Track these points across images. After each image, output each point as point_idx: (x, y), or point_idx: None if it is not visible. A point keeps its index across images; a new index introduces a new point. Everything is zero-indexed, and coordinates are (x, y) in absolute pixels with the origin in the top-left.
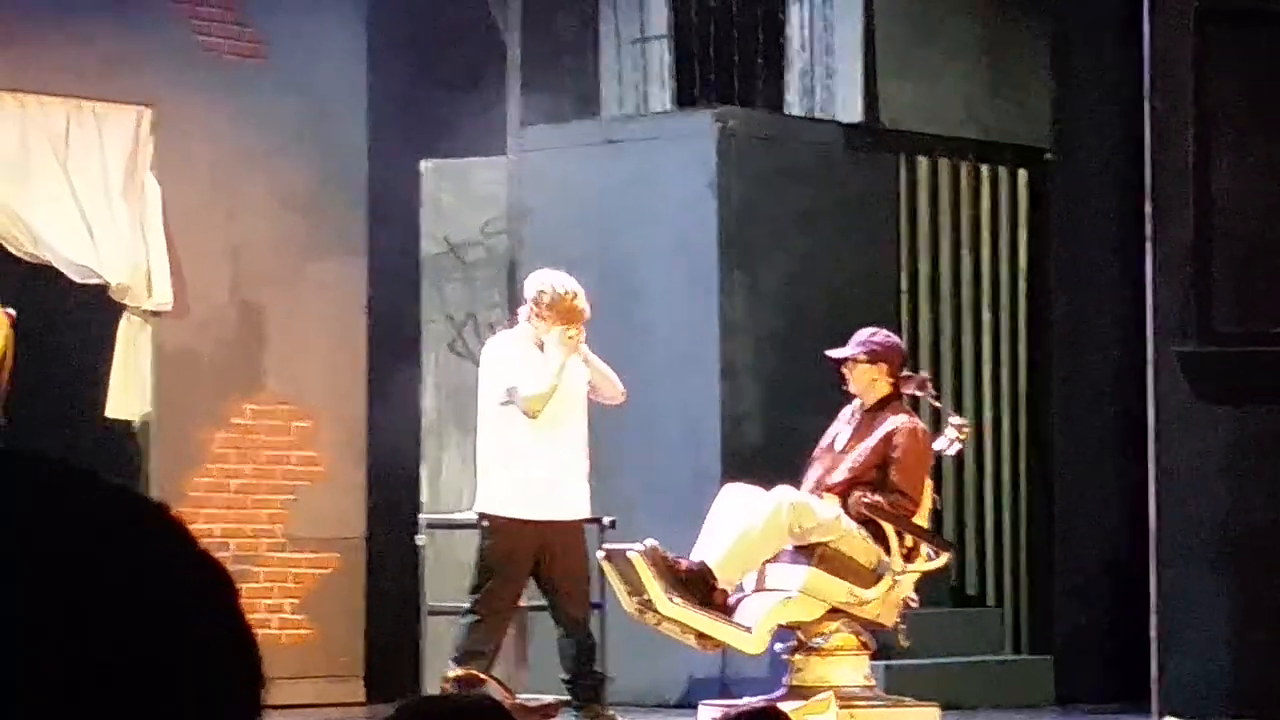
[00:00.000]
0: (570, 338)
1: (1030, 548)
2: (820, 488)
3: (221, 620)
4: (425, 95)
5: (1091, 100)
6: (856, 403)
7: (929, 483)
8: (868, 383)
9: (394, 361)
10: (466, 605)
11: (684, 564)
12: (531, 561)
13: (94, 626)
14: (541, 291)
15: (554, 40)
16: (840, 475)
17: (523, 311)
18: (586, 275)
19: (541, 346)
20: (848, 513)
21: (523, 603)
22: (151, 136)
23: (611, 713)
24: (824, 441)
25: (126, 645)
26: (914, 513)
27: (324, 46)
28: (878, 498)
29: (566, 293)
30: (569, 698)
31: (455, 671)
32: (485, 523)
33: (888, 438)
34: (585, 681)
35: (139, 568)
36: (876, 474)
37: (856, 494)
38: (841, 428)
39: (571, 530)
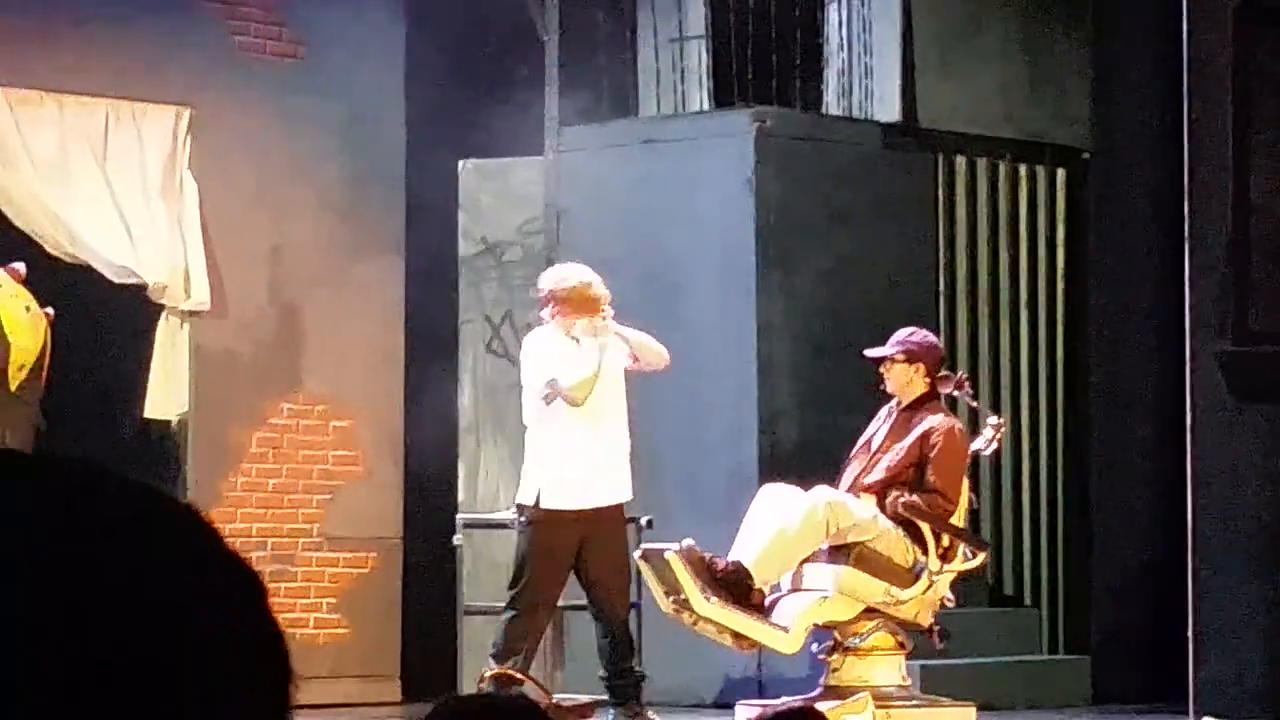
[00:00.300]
0: (597, 322)
1: (1067, 547)
2: (857, 487)
3: (247, 621)
4: (463, 95)
5: (1130, 100)
6: (894, 402)
7: (965, 482)
8: (905, 382)
9: (431, 361)
10: (506, 600)
11: (721, 563)
12: (572, 556)
13: (113, 628)
14: (554, 290)
15: (591, 40)
16: (877, 474)
17: (545, 312)
18: (623, 275)
19: (577, 340)
20: (884, 512)
21: (561, 602)
22: (190, 137)
23: (650, 713)
24: (861, 440)
25: (146, 647)
26: (951, 513)
27: (362, 47)
28: (915, 498)
29: (580, 283)
30: (607, 696)
31: (493, 670)
32: (524, 516)
33: (924, 437)
34: (623, 680)
35: (161, 568)
36: (914, 473)
37: (894, 494)
38: (878, 427)
39: (613, 520)
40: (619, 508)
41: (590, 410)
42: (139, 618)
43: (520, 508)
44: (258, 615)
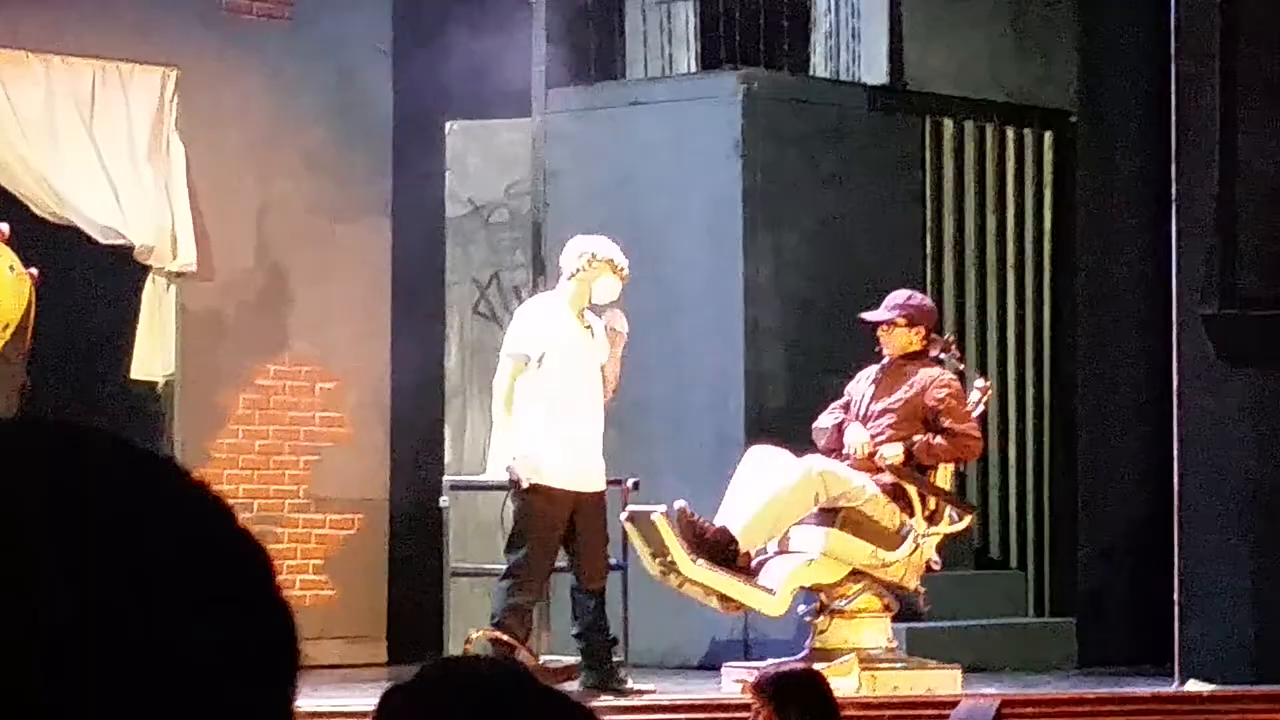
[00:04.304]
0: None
1: (1053, 510)
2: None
3: (256, 595)
4: (450, 56)
5: (1117, 62)
6: (881, 363)
7: None
8: (904, 345)
9: (418, 322)
10: (505, 568)
11: (708, 526)
12: (565, 525)
13: (121, 601)
14: (596, 251)
15: (578, 2)
16: (882, 430)
17: (565, 273)
18: (610, 237)
19: (582, 312)
20: (909, 459)
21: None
22: (177, 98)
23: (623, 674)
24: (851, 398)
25: (155, 619)
26: (979, 450)
27: (350, 8)
28: (938, 440)
29: (610, 248)
30: (579, 658)
31: (478, 633)
32: (520, 486)
33: (925, 388)
34: (595, 641)
35: (171, 541)
36: (914, 423)
37: (918, 439)
38: (865, 386)
39: (599, 498)
40: (601, 493)
41: (574, 391)
42: (147, 589)
43: (514, 480)
44: (267, 590)
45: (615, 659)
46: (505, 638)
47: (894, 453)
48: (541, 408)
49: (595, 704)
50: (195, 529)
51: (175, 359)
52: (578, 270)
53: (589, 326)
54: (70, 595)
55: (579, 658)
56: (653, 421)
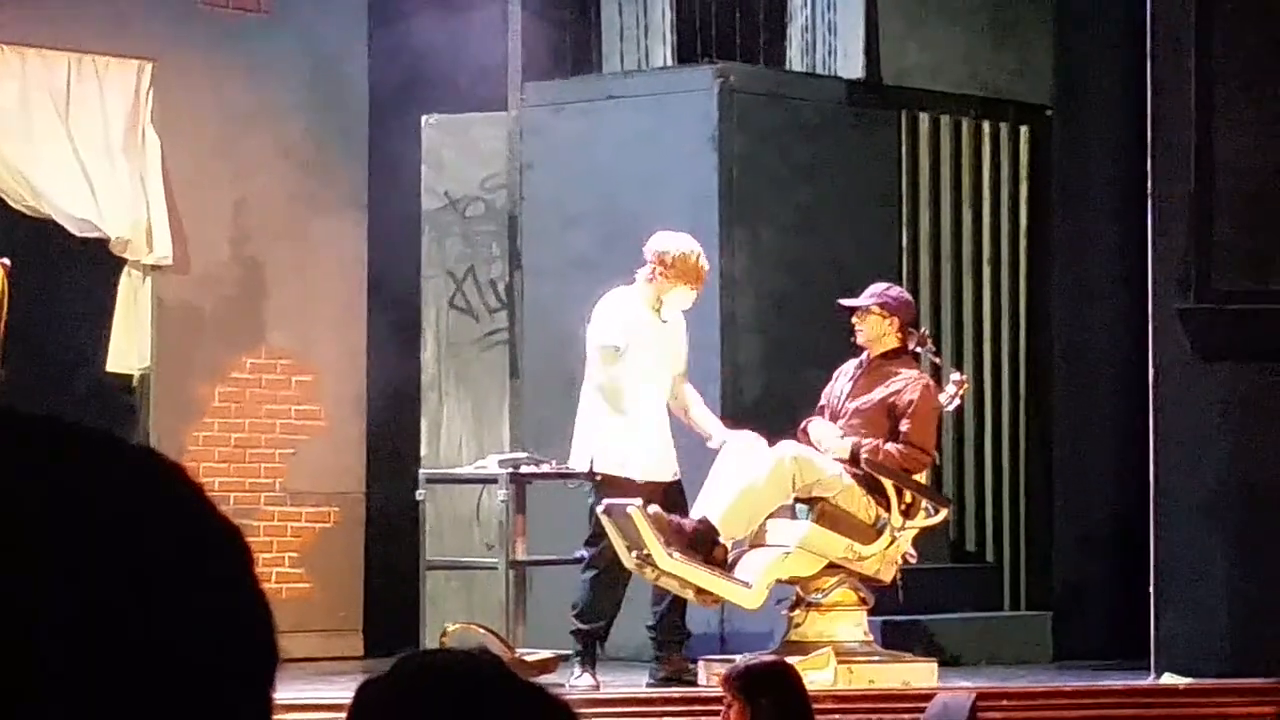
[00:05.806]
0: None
1: (1029, 504)
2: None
3: (248, 595)
4: (427, 50)
5: (1094, 57)
6: (862, 357)
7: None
8: (878, 335)
9: (394, 316)
10: (586, 558)
11: (684, 519)
12: None
13: (120, 603)
14: (664, 253)
15: None
16: (851, 424)
17: (642, 272)
18: (586, 230)
19: (658, 308)
20: (858, 462)
21: (525, 556)
22: (152, 91)
23: (692, 665)
24: (829, 396)
25: (134, 614)
26: (927, 464)
27: (326, 1)
28: (889, 447)
29: (689, 253)
30: (651, 647)
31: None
32: (598, 478)
33: (899, 390)
34: (668, 634)
35: (170, 541)
36: (887, 424)
37: (870, 442)
38: (844, 383)
39: (676, 487)
40: (678, 481)
41: (655, 382)
42: (147, 589)
43: (591, 471)
44: (254, 586)
45: (683, 652)
46: (476, 627)
47: (840, 449)
48: (621, 402)
49: (573, 698)
50: (192, 528)
51: (151, 352)
52: (653, 276)
53: (665, 321)
54: (70, 595)
55: (568, 651)
56: None
